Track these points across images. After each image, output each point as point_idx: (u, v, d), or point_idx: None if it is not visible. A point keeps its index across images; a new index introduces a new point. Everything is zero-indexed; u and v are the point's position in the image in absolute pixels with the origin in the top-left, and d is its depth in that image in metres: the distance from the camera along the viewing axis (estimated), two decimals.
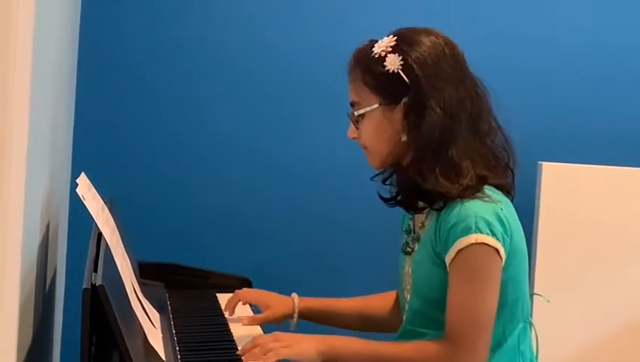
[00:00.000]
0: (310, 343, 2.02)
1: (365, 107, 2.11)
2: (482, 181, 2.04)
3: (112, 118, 3.33)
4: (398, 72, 2.07)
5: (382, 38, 2.12)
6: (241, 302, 2.43)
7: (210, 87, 3.38)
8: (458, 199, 2.01)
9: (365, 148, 2.15)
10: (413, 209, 2.15)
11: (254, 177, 3.41)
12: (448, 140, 2.04)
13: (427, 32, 2.11)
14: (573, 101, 3.54)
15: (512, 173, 2.14)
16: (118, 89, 3.34)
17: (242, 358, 1.98)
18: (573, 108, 3.53)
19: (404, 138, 2.08)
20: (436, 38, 2.10)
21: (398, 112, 2.08)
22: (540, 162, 3.37)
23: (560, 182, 3.38)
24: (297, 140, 3.43)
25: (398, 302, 2.33)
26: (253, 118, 3.41)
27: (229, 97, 3.39)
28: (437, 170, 2.03)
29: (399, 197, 2.19)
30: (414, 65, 2.06)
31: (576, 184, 3.39)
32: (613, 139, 3.54)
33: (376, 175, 2.22)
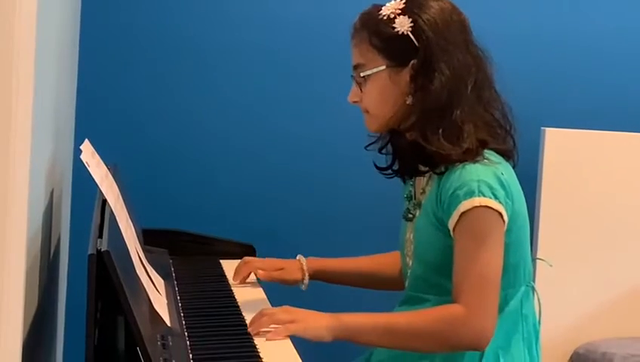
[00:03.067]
0: (321, 320, 1.97)
1: (371, 68, 2.10)
2: (482, 145, 2.05)
3: (114, 85, 3.33)
4: (407, 34, 2.07)
5: (388, 3, 2.11)
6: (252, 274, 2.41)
7: (215, 52, 3.37)
8: (458, 163, 2.01)
9: (366, 111, 2.15)
10: (412, 173, 2.16)
11: (256, 142, 3.40)
12: (454, 103, 2.04)
13: None
14: (576, 67, 3.53)
15: (513, 140, 2.14)
16: (120, 55, 3.33)
17: (249, 329, 1.96)
18: (577, 73, 3.53)
19: (408, 101, 2.08)
20: (444, 3, 2.10)
21: (405, 74, 2.08)
22: (543, 128, 3.37)
23: (563, 148, 3.38)
24: (302, 104, 3.43)
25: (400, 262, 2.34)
26: (256, 82, 3.40)
27: (234, 63, 3.39)
28: (440, 131, 2.03)
29: (395, 166, 2.20)
30: (424, 27, 2.06)
31: (579, 150, 3.39)
32: (617, 105, 3.53)
33: (370, 143, 2.22)
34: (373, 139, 2.23)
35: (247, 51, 3.39)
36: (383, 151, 2.22)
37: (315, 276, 2.40)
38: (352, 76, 2.16)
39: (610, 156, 3.40)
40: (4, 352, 1.27)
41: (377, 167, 2.23)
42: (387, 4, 2.11)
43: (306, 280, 2.38)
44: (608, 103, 3.53)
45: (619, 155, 3.41)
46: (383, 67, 2.09)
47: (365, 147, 2.23)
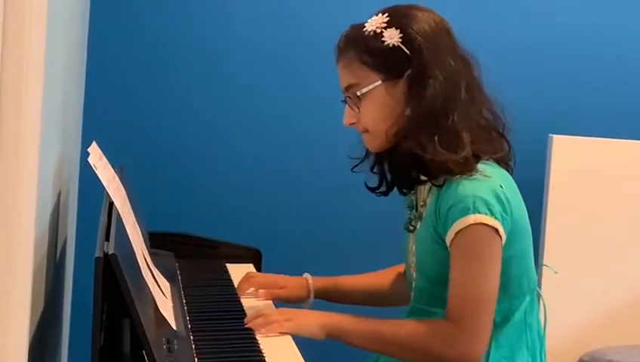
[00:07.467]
0: (314, 318, 2.03)
1: (367, 86, 2.08)
2: (477, 157, 2.03)
3: (122, 86, 3.33)
4: (398, 45, 2.05)
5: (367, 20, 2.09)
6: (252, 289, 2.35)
7: (223, 54, 3.38)
8: (457, 176, 2.00)
9: (366, 131, 2.12)
10: (412, 183, 2.13)
11: (264, 145, 3.41)
12: (449, 108, 2.03)
13: (416, 7, 2.11)
14: (584, 73, 3.53)
15: (508, 143, 2.12)
16: (128, 56, 3.33)
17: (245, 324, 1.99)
18: (585, 80, 3.52)
19: (407, 112, 2.06)
20: (426, 12, 2.10)
21: (401, 86, 2.06)
22: (550, 135, 3.36)
23: (570, 155, 3.37)
24: (313, 107, 3.43)
25: (404, 276, 2.32)
26: (266, 85, 3.40)
27: (243, 65, 3.39)
28: (436, 138, 2.01)
29: (383, 188, 2.19)
30: (415, 36, 2.05)
31: (586, 157, 3.39)
32: (625, 112, 3.53)
33: (356, 165, 2.21)
34: (357, 161, 2.21)
35: (256, 52, 3.39)
36: (375, 170, 2.20)
37: (321, 295, 2.37)
38: (343, 101, 2.13)
39: (617, 164, 3.40)
40: (10, 353, 1.27)
41: (368, 187, 2.22)
42: (369, 20, 2.09)
43: (311, 300, 2.35)
44: (616, 110, 3.53)
45: (626, 163, 3.41)
46: (379, 82, 2.07)
47: (352, 169, 2.21)
